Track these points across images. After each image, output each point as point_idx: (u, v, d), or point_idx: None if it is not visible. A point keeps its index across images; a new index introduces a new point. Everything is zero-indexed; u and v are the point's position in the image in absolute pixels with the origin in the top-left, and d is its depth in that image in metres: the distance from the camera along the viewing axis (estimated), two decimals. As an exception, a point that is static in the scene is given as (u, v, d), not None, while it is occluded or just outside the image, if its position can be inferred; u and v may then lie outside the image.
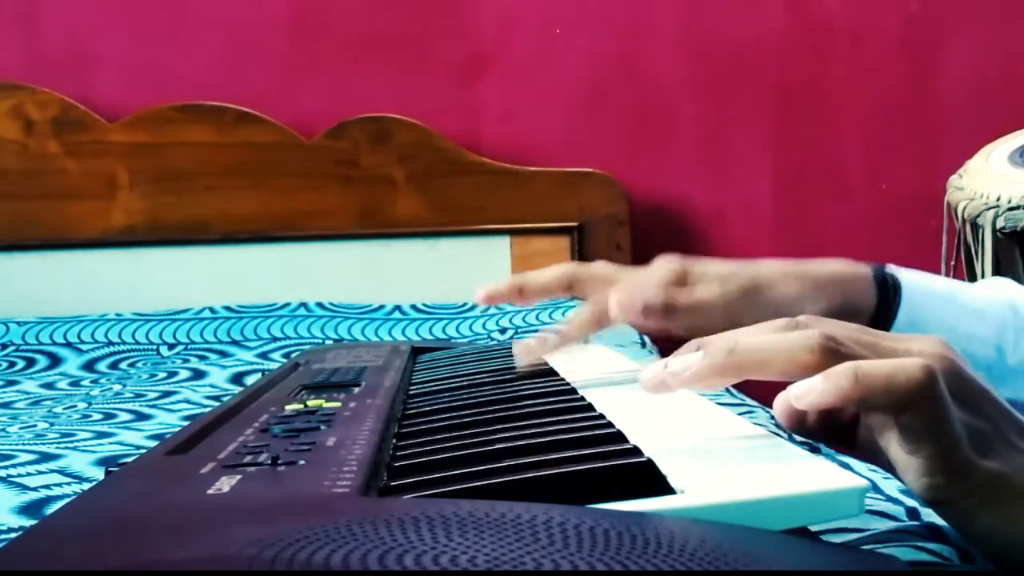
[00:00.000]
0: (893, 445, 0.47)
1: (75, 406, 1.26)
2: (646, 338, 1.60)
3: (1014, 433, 0.48)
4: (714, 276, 0.76)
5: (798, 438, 0.89)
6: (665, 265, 0.78)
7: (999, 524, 0.46)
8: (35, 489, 0.81)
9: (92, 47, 2.01)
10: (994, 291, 0.83)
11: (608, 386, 0.69)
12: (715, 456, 0.51)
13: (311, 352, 1.00)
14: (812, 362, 0.47)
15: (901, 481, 0.48)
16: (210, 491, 0.42)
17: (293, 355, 1.28)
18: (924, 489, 0.46)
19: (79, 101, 1.94)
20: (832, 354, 0.47)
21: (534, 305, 1.79)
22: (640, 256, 1.98)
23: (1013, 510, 0.46)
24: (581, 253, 1.95)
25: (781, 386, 0.50)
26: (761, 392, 0.88)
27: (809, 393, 0.46)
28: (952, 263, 1.68)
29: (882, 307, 0.77)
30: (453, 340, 1.65)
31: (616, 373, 0.78)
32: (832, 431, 0.53)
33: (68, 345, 1.67)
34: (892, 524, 0.61)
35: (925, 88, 2.06)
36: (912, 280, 0.79)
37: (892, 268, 0.79)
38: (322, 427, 0.56)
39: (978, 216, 1.54)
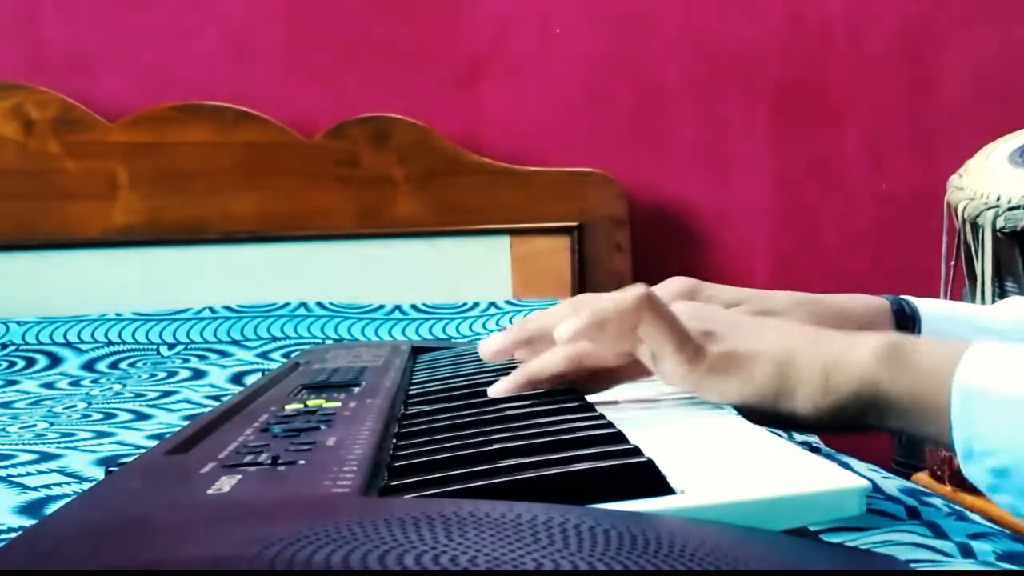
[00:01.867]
0: (650, 359, 0.62)
1: (75, 406, 1.26)
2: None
3: (745, 328, 0.63)
4: (724, 303, 0.77)
5: (799, 437, 0.89)
6: (673, 289, 0.79)
7: (742, 388, 0.60)
8: (35, 489, 0.81)
9: (92, 47, 2.01)
10: (1012, 312, 0.83)
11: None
12: (715, 456, 0.51)
13: (311, 352, 1.00)
14: (635, 310, 0.61)
15: (668, 385, 0.64)
16: (210, 491, 0.42)
17: (293, 355, 1.28)
18: (679, 379, 0.61)
19: (79, 101, 1.94)
20: (650, 304, 0.61)
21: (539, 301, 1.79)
22: (640, 256, 1.98)
23: (746, 373, 0.60)
24: (581, 253, 1.95)
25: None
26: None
27: (566, 330, 0.62)
28: (952, 263, 1.68)
29: None
30: (453, 340, 1.65)
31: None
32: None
33: (68, 345, 1.67)
34: (892, 524, 0.61)
35: (925, 88, 2.06)
36: (931, 308, 0.80)
37: (909, 298, 0.80)
38: (322, 427, 0.56)
39: (978, 216, 1.54)
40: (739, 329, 0.63)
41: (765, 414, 0.60)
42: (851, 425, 0.59)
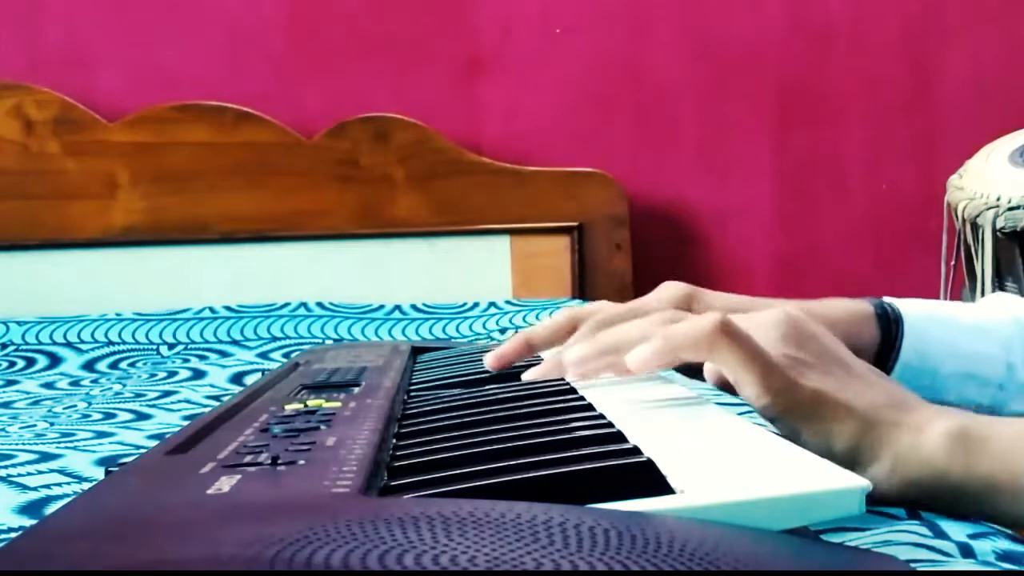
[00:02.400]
0: (734, 384, 0.59)
1: (75, 406, 1.26)
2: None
3: (837, 368, 0.60)
4: (718, 311, 0.77)
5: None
6: (670, 295, 0.79)
7: (817, 436, 0.57)
8: (35, 489, 0.81)
9: (92, 47, 2.01)
10: (998, 309, 0.83)
11: (608, 386, 0.69)
12: (715, 456, 0.51)
13: (311, 352, 1.00)
14: (709, 341, 0.58)
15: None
16: (210, 491, 0.42)
17: (293, 355, 1.28)
18: (761, 408, 0.58)
19: (79, 101, 1.94)
20: (726, 333, 0.58)
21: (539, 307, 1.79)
22: (640, 256, 1.98)
23: (826, 423, 0.57)
24: (581, 253, 1.95)
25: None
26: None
27: (639, 359, 0.59)
28: (952, 263, 1.68)
29: (885, 341, 0.79)
30: (453, 340, 1.65)
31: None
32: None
33: (68, 345, 1.67)
34: (892, 524, 0.61)
35: (925, 88, 2.06)
36: (914, 311, 0.80)
37: (892, 301, 0.81)
38: (322, 427, 0.56)
39: (978, 216, 1.54)
40: (835, 370, 0.60)
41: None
42: (913, 504, 0.58)
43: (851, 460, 0.57)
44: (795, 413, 0.58)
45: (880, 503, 0.60)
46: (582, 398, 0.64)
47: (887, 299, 0.81)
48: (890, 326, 0.79)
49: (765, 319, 0.62)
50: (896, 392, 0.62)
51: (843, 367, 0.61)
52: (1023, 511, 0.54)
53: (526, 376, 0.71)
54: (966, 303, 0.89)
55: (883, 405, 0.59)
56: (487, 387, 0.70)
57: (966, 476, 0.56)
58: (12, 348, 1.66)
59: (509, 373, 0.76)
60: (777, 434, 0.58)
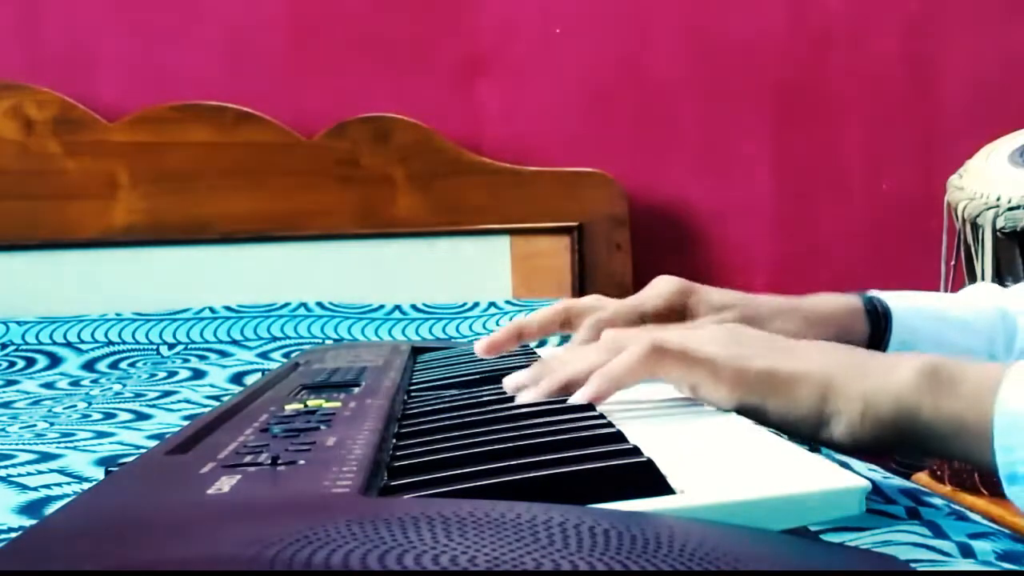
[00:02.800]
0: (692, 393, 0.62)
1: (75, 406, 1.26)
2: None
3: (780, 349, 0.62)
4: (712, 306, 0.78)
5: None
6: (666, 289, 0.80)
7: (782, 408, 0.59)
8: (35, 489, 0.81)
9: (92, 47, 2.01)
10: (982, 301, 0.85)
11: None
12: (715, 456, 0.51)
13: (311, 352, 1.00)
14: (647, 364, 0.61)
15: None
16: (210, 491, 0.42)
17: (293, 355, 1.28)
18: (724, 403, 0.60)
19: (79, 101, 1.94)
20: (659, 354, 0.61)
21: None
22: (640, 256, 1.98)
23: (785, 393, 0.59)
24: (581, 253, 1.95)
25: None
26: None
27: (583, 399, 0.60)
28: (952, 263, 1.68)
29: (874, 335, 0.80)
30: (453, 340, 1.65)
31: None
32: None
33: (68, 345, 1.67)
34: (892, 524, 0.61)
35: (925, 88, 2.06)
36: (901, 305, 0.82)
37: (880, 294, 0.82)
38: (322, 427, 0.56)
39: (978, 216, 1.54)
40: (777, 349, 0.62)
41: (798, 432, 0.60)
42: (890, 450, 0.59)
43: (817, 421, 0.59)
44: (752, 394, 0.60)
45: (857, 451, 0.61)
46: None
47: (874, 293, 0.82)
48: (879, 320, 0.80)
49: (702, 332, 0.65)
50: (858, 352, 0.63)
51: (787, 347, 0.63)
52: (988, 454, 0.54)
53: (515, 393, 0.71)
54: (951, 295, 0.91)
55: (841, 362, 0.60)
56: (487, 387, 0.70)
57: (935, 415, 0.56)
58: (12, 348, 1.66)
59: (509, 373, 0.76)
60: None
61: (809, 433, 0.59)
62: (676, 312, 0.79)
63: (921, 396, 0.56)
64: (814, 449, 0.73)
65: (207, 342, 1.69)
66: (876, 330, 0.80)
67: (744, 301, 0.79)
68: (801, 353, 0.62)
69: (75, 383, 1.48)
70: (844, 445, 0.59)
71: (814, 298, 0.81)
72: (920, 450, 0.58)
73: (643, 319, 0.79)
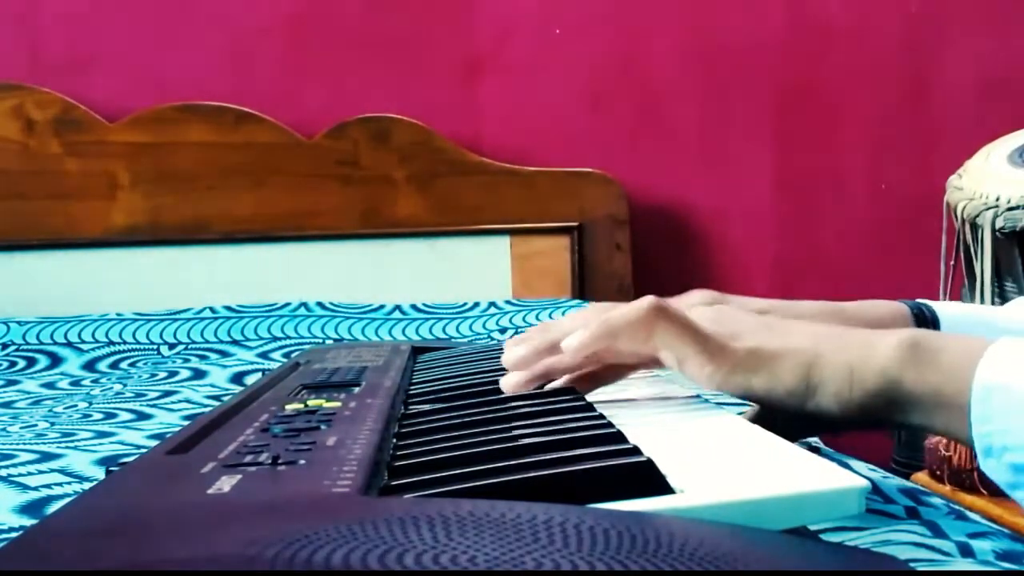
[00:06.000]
0: (675, 363, 0.62)
1: (76, 406, 1.26)
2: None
3: (767, 328, 0.63)
4: (750, 311, 0.77)
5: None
6: (696, 301, 0.79)
7: (768, 384, 0.60)
8: (35, 489, 0.81)
9: (92, 47, 2.01)
10: None
11: (608, 386, 0.69)
12: (715, 455, 0.51)
13: (311, 352, 1.00)
14: (646, 322, 0.62)
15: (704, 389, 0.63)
16: (210, 491, 0.42)
17: (293, 355, 1.28)
18: (705, 379, 0.61)
19: (79, 101, 1.94)
20: (659, 312, 0.62)
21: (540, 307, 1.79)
22: (640, 256, 1.98)
23: (771, 370, 0.60)
24: (581, 253, 1.95)
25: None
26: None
27: (576, 342, 0.62)
28: (952, 263, 1.68)
29: None
30: (453, 340, 1.65)
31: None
32: None
33: (69, 345, 1.67)
34: (892, 524, 0.61)
35: (925, 88, 2.06)
36: (949, 312, 0.81)
37: (927, 302, 0.81)
38: (322, 427, 0.56)
39: (977, 216, 1.54)
40: (764, 329, 0.63)
41: (788, 411, 0.60)
42: (876, 422, 0.59)
43: (804, 395, 0.59)
44: (739, 370, 0.60)
45: (847, 425, 0.62)
46: (582, 398, 0.64)
47: (924, 301, 0.82)
48: (927, 327, 0.79)
49: (694, 312, 0.66)
50: (842, 328, 0.64)
51: (773, 326, 0.64)
52: (964, 427, 0.54)
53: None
54: (993, 307, 0.90)
55: (826, 336, 0.61)
56: (487, 387, 0.70)
57: (917, 386, 0.57)
58: (13, 348, 1.66)
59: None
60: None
61: (797, 405, 0.60)
62: None
63: (904, 367, 0.57)
64: (814, 449, 0.73)
65: (207, 342, 1.69)
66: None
67: (784, 306, 0.78)
68: (786, 330, 0.63)
69: (76, 383, 1.48)
70: (832, 413, 0.59)
71: (860, 304, 0.81)
72: (904, 422, 0.58)
73: None
